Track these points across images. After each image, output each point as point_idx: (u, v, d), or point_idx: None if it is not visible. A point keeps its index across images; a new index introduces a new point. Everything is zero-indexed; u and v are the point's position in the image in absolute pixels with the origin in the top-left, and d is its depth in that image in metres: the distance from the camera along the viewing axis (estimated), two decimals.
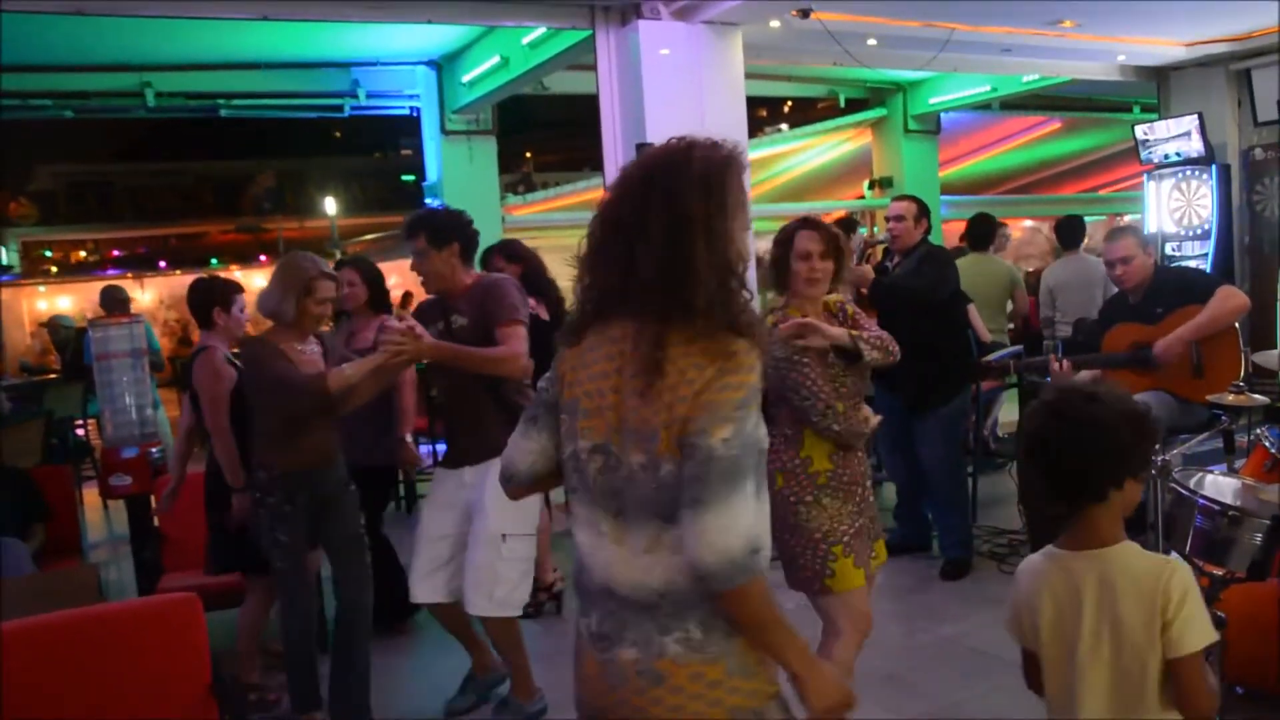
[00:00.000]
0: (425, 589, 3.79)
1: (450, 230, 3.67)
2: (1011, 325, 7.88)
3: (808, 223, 3.23)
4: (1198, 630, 1.92)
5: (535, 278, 4.90)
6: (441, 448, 4.14)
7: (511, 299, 3.64)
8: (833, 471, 3.14)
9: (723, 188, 1.73)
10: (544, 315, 4.82)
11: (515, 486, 1.94)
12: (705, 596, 1.65)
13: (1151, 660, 1.92)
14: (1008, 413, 7.39)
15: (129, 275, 20.50)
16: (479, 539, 3.62)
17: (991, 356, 5.95)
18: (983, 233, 7.19)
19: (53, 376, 10.28)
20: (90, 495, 7.51)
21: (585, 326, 1.80)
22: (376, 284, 4.85)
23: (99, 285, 8.69)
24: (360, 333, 4.64)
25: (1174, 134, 9.41)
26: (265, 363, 3.58)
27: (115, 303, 7.45)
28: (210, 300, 4.20)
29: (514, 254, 4.89)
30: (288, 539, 3.58)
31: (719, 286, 1.69)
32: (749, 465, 1.64)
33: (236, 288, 4.31)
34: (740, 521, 1.61)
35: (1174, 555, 3.25)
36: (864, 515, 3.19)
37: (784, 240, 3.22)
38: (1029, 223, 19.17)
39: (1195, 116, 9.20)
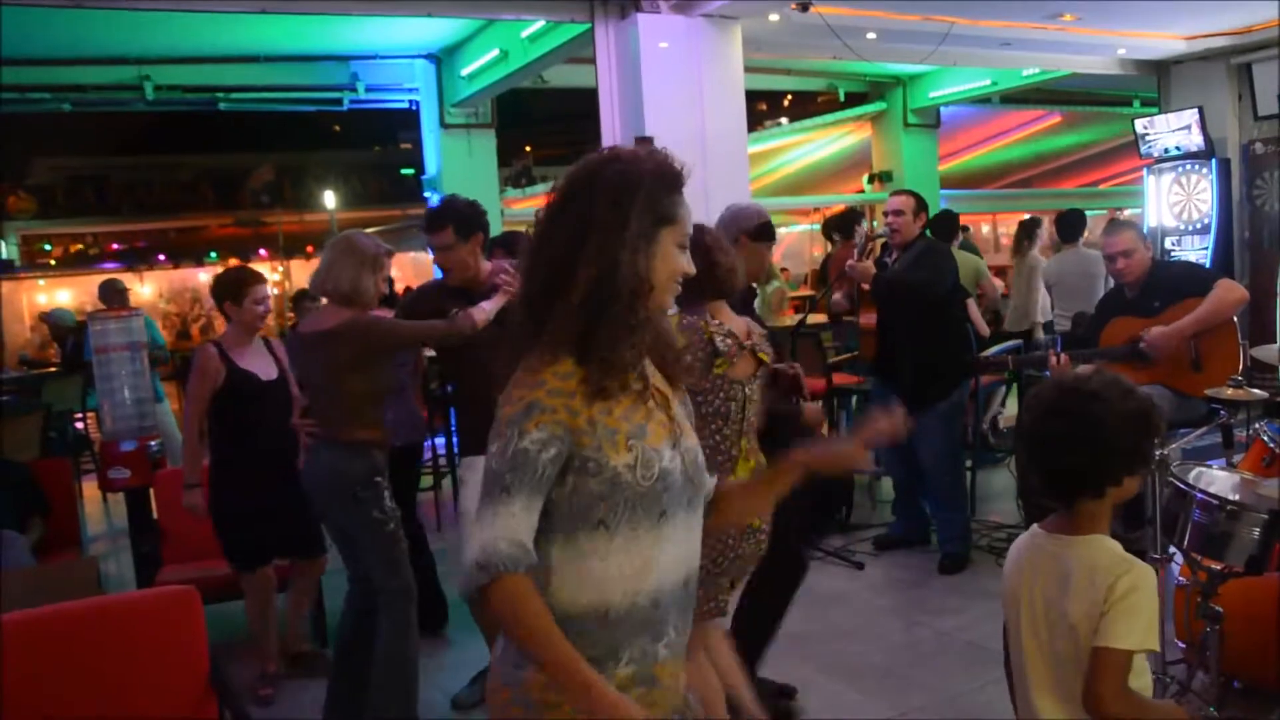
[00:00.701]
0: None
1: (474, 221, 3.72)
2: (1045, 320, 7.77)
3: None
4: (1131, 630, 1.84)
5: None
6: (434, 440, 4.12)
7: None
8: None
9: (626, 205, 1.64)
10: None
11: None
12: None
13: (1085, 654, 1.87)
14: (1007, 407, 7.40)
15: (128, 269, 20.48)
16: None
17: (990, 351, 5.96)
18: (946, 227, 7.28)
19: (52, 370, 10.27)
20: (89, 488, 7.50)
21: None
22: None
23: (98, 278, 8.67)
24: None
25: (1174, 128, 9.41)
26: (387, 326, 3.56)
27: (114, 294, 7.44)
28: (220, 294, 4.18)
29: (515, 248, 4.89)
30: (397, 511, 3.52)
31: (590, 309, 1.62)
32: (511, 483, 1.59)
33: (252, 279, 4.23)
34: (484, 531, 1.58)
35: (1175, 555, 3.27)
36: None
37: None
38: (1029, 217, 19.19)
39: (1195, 110, 9.20)
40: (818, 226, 13.76)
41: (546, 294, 1.65)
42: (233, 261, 21.15)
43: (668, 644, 1.71)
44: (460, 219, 3.68)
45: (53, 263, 24.94)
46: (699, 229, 2.97)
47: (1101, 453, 1.92)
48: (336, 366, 3.48)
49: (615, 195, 1.65)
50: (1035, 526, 2.07)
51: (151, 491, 5.14)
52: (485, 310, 3.53)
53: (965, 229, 9.32)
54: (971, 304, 6.29)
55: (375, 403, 3.56)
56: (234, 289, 4.17)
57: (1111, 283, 4.96)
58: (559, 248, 1.65)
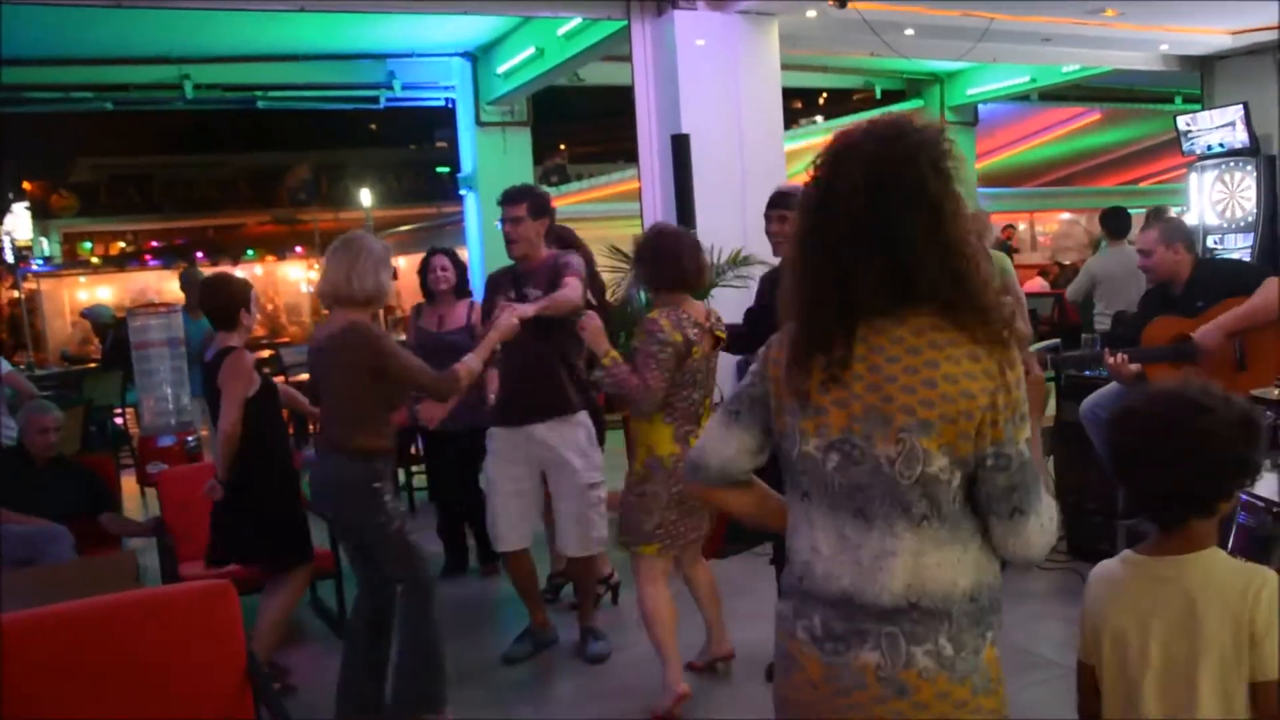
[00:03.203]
0: (513, 538, 4.17)
1: (547, 206, 4.13)
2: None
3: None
4: None
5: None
6: None
7: (574, 262, 4.09)
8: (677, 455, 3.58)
9: (951, 174, 1.64)
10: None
11: (702, 483, 1.84)
12: (962, 611, 1.60)
13: (1236, 681, 1.73)
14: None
15: (167, 267, 20.72)
16: (569, 492, 4.07)
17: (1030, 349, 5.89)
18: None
19: (92, 365, 10.41)
20: (127, 483, 7.59)
21: (833, 334, 1.63)
22: (463, 271, 5.29)
23: (138, 276, 8.80)
24: (449, 315, 5.20)
25: (1218, 124, 9.25)
26: (390, 349, 3.52)
27: (193, 285, 7.42)
28: (237, 301, 4.07)
29: (567, 242, 4.95)
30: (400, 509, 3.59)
31: (977, 279, 1.61)
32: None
33: (250, 285, 4.21)
34: (1050, 517, 1.66)
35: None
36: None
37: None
38: (1067, 215, 18.99)
39: (1240, 107, 9.04)
40: None
41: (945, 278, 1.58)
42: (270, 259, 21.39)
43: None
44: (535, 200, 4.08)
45: (94, 260, 25.30)
46: (664, 229, 3.90)
47: (1214, 469, 1.79)
48: (346, 373, 3.48)
49: (936, 162, 1.62)
50: (1128, 552, 1.91)
51: (157, 492, 5.05)
52: (470, 366, 3.61)
53: (1011, 227, 9.23)
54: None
55: (385, 410, 3.56)
56: (246, 297, 4.09)
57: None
58: (902, 230, 1.58)
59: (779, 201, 3.90)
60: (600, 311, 4.78)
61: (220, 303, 4.08)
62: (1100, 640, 1.88)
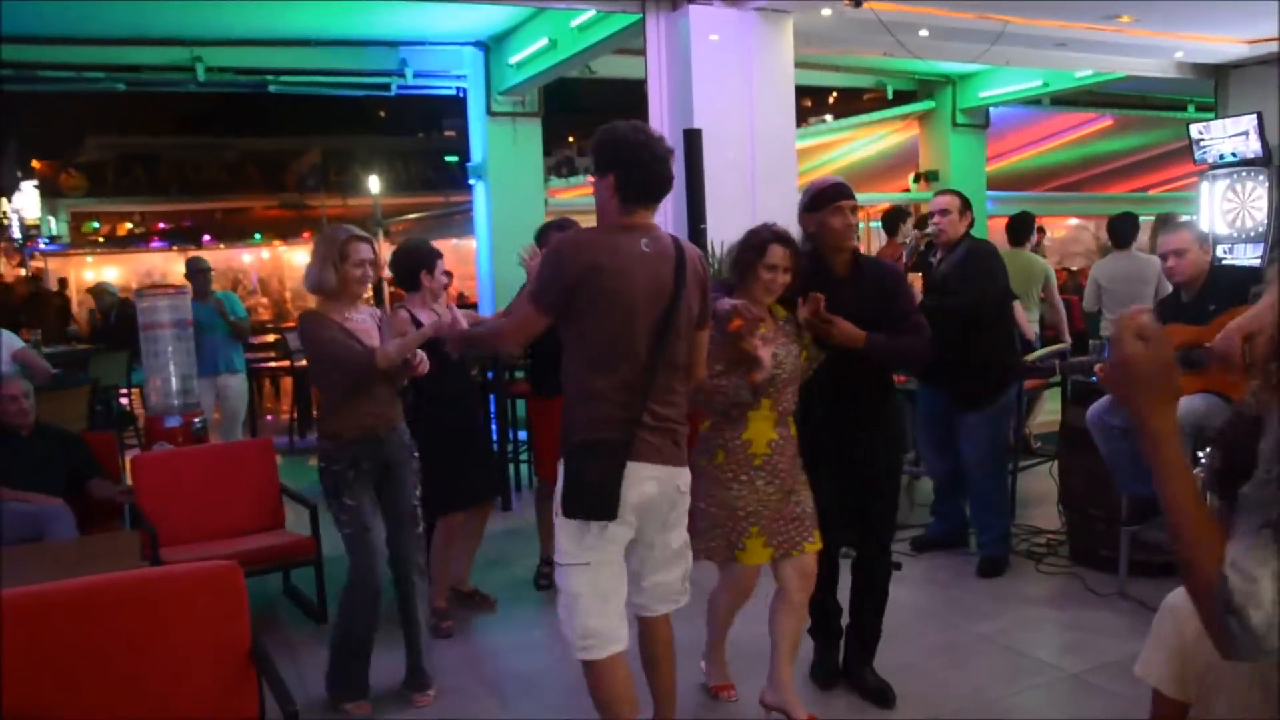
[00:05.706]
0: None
1: (611, 154, 2.97)
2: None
3: (780, 237, 3.32)
4: None
5: None
6: None
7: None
8: (768, 456, 3.31)
9: None
10: None
11: None
12: None
13: None
14: (1048, 412, 7.31)
15: (174, 248, 20.75)
16: None
17: (1035, 355, 5.89)
18: (1021, 230, 7.37)
19: (94, 345, 10.43)
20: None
21: None
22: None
23: (144, 256, 8.82)
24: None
25: (1231, 133, 9.22)
26: (317, 334, 3.64)
27: (198, 274, 7.44)
28: (417, 265, 4.39)
29: (563, 229, 4.87)
30: (354, 503, 3.63)
31: None
32: None
33: (438, 253, 4.51)
34: None
35: None
36: (794, 503, 3.36)
37: (757, 247, 3.32)
38: (1075, 221, 18.96)
39: (1254, 116, 9.01)
40: (862, 225, 13.68)
41: None
42: (277, 243, 21.40)
43: None
44: (597, 145, 3.09)
45: (101, 240, 25.33)
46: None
47: None
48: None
49: None
50: None
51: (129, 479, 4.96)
52: (388, 352, 3.61)
53: (1041, 229, 9.22)
54: (1018, 306, 6.20)
55: (338, 394, 3.68)
56: (430, 261, 4.43)
57: (1166, 288, 4.88)
58: None
59: (844, 193, 3.51)
60: None
61: (402, 267, 4.43)
62: (1205, 680, 1.60)
